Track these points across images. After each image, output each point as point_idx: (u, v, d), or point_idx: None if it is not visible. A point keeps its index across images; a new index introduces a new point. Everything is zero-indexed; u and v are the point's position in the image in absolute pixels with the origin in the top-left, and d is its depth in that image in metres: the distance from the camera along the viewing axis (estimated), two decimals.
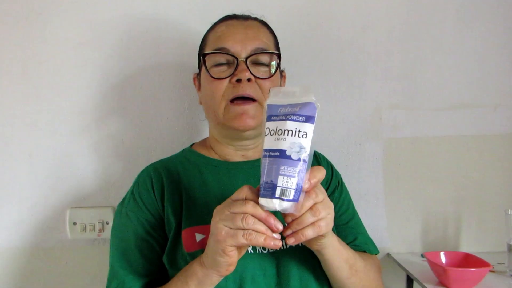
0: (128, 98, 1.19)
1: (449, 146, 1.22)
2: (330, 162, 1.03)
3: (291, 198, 0.62)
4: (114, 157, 1.19)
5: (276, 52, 0.89)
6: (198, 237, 0.82)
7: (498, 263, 1.10)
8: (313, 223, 0.65)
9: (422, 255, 1.18)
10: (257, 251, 0.81)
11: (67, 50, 1.17)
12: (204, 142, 1.00)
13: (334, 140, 1.21)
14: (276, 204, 0.62)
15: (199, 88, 0.96)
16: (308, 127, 0.63)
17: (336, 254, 0.76)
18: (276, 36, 0.95)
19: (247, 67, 0.84)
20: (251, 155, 0.94)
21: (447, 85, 1.22)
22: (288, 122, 0.63)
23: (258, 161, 0.92)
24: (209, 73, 0.87)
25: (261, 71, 0.87)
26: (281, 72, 0.97)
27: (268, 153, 0.64)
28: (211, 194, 0.87)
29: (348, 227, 0.94)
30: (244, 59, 0.85)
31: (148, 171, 0.93)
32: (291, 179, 0.62)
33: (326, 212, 0.66)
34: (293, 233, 0.65)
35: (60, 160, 1.18)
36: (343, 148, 1.21)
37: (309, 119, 0.63)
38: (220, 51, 0.86)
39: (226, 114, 0.86)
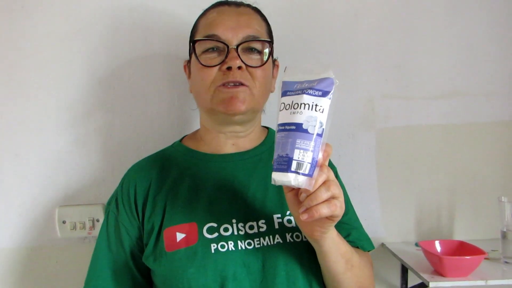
0: (115, 91, 1.16)
1: (442, 135, 1.22)
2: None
3: (306, 172, 0.61)
4: (102, 153, 1.16)
5: (268, 40, 0.87)
6: (179, 236, 0.80)
7: (492, 250, 1.10)
8: (328, 201, 0.63)
9: (417, 244, 1.17)
10: (239, 248, 0.79)
11: (52, 43, 1.14)
12: (194, 134, 0.98)
13: None
14: (291, 178, 0.61)
15: (189, 76, 0.94)
16: (325, 102, 0.62)
17: (334, 247, 0.75)
18: (269, 23, 0.93)
19: (238, 55, 0.82)
20: (242, 144, 0.92)
21: (439, 73, 1.21)
22: (305, 96, 0.62)
23: (247, 153, 0.92)
24: (198, 60, 0.85)
25: (252, 59, 0.85)
26: (274, 61, 0.95)
27: (283, 127, 0.63)
28: (197, 190, 0.86)
29: (341, 222, 0.89)
30: (235, 47, 0.83)
31: (134, 171, 0.92)
32: (307, 153, 0.61)
33: (339, 191, 0.65)
34: (307, 209, 0.63)
35: (47, 158, 1.15)
36: (336, 139, 1.20)
37: (326, 93, 0.63)
38: (210, 38, 0.84)
39: (214, 98, 0.84)
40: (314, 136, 0.61)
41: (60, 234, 1.15)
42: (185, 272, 0.77)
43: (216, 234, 0.80)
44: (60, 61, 1.14)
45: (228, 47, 0.83)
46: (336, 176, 0.98)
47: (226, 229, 0.81)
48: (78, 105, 1.15)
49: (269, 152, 0.93)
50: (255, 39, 0.85)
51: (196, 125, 1.14)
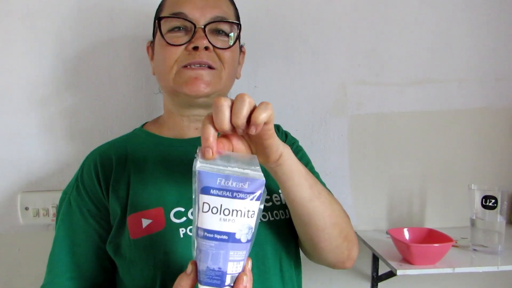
0: (81, 74, 1.12)
1: (414, 122, 1.21)
2: (286, 131, 1.00)
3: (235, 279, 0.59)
4: (67, 138, 1.12)
5: (236, 22, 0.85)
6: (145, 222, 0.77)
7: (461, 237, 1.11)
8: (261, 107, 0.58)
9: (387, 232, 1.17)
10: None
11: (13, 22, 1.09)
12: (157, 120, 0.95)
13: (299, 117, 1.18)
14: None
15: (152, 57, 0.91)
16: (255, 205, 0.57)
17: (296, 168, 0.70)
18: (236, 7, 0.90)
19: (205, 35, 0.79)
20: None
21: (412, 60, 1.19)
22: (236, 201, 0.56)
23: None
24: (164, 38, 0.81)
25: (220, 41, 0.82)
26: (241, 47, 0.93)
27: (211, 235, 0.56)
28: (161, 176, 0.83)
29: None
30: (203, 27, 0.80)
31: (94, 155, 0.87)
32: (240, 263, 0.58)
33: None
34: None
35: (9, 141, 1.11)
36: (308, 126, 1.18)
37: (257, 196, 0.57)
38: (177, 15, 0.81)
39: (177, 79, 0.81)
40: (247, 243, 0.58)
41: (23, 221, 1.11)
42: (153, 258, 0.75)
43: (184, 219, 0.78)
44: (22, 41, 1.09)
45: (195, 26, 0.80)
46: (297, 145, 0.98)
47: None
48: (41, 87, 1.11)
49: None
50: (223, 20, 0.82)
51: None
